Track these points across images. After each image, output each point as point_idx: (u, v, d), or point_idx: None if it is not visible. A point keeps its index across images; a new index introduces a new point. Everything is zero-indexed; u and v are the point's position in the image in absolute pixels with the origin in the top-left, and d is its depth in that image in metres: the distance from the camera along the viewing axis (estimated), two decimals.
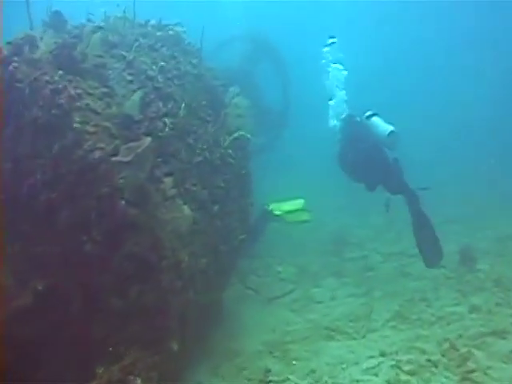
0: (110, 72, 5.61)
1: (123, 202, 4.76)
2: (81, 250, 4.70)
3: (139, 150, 4.78)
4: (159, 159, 5.46)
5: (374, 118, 7.87)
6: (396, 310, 7.05)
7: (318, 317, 7.17)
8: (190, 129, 6.23)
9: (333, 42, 8.87)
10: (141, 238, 4.83)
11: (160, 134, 5.60)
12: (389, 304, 7.27)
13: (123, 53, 6.20)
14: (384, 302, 7.37)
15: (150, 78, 6.09)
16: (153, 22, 7.59)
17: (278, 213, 8.76)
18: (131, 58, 6.16)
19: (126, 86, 5.75)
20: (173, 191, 5.27)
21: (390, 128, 7.60)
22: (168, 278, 5.05)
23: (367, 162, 7.75)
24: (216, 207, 6.29)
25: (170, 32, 7.36)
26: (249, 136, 6.79)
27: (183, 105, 6.09)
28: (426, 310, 6.98)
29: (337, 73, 8.78)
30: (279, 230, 11.79)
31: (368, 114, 8.00)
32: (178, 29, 7.35)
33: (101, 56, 5.94)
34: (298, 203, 9.02)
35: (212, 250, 6.17)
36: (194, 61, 7.25)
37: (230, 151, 6.89)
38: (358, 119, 8.30)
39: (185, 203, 5.59)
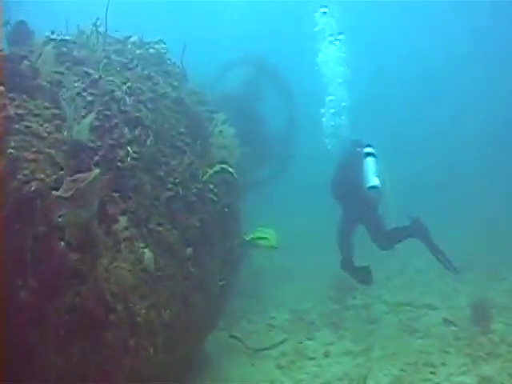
0: (65, 91, 4.77)
1: (63, 244, 3.89)
2: (17, 296, 3.84)
3: (82, 185, 3.92)
4: (116, 194, 4.60)
5: (369, 159, 7.42)
6: (396, 375, 6.06)
7: (307, 377, 6.21)
8: (160, 159, 5.38)
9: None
10: (84, 287, 3.95)
11: (119, 164, 4.75)
12: (388, 367, 6.28)
13: (87, 70, 5.39)
14: (383, 364, 6.37)
15: (116, 100, 5.27)
16: (134, 38, 6.83)
17: (247, 238, 7.82)
18: (96, 76, 5.36)
19: (85, 108, 4.91)
20: (126, 233, 4.39)
21: (373, 182, 7.20)
22: (117, 336, 4.16)
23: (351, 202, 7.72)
24: (189, 250, 5.39)
25: (151, 50, 6.58)
26: (231, 170, 5.89)
27: (151, 132, 5.24)
28: (429, 378, 5.96)
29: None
30: (285, 270, 11.02)
31: (367, 150, 7.56)
32: (159, 47, 6.55)
33: (60, 73, 5.16)
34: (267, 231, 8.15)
35: (181, 299, 5.26)
36: (176, 83, 6.44)
37: (211, 186, 6.03)
38: (359, 150, 7.76)
39: (146, 246, 4.73)
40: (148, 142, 5.18)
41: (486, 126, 22.14)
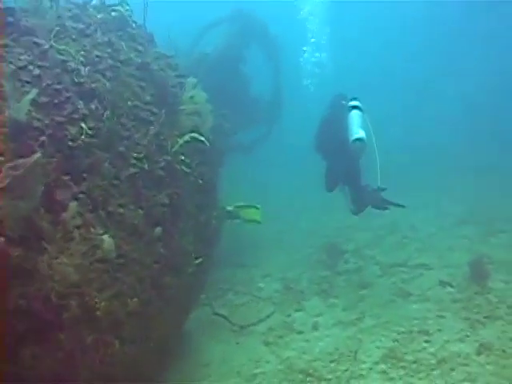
0: (5, 66, 4.33)
1: (2, 240, 3.54)
2: None
3: (17, 173, 3.54)
4: (66, 177, 4.22)
5: (354, 112, 7.08)
6: (388, 346, 5.77)
7: (295, 354, 5.95)
8: (121, 133, 4.97)
9: None
10: (29, 287, 3.62)
11: (70, 143, 4.35)
12: (381, 338, 6.01)
13: (36, 40, 4.92)
14: (375, 334, 6.10)
15: (69, 72, 4.82)
16: (95, 1, 6.31)
17: (229, 208, 7.46)
18: (46, 46, 4.90)
19: (30, 83, 4.48)
20: (77, 220, 4.02)
21: (358, 135, 6.86)
22: (73, 335, 3.85)
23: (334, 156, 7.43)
24: (157, 230, 5.04)
25: (113, 13, 6.07)
26: (203, 138, 5.48)
27: (110, 104, 4.82)
28: (425, 347, 5.66)
29: None
30: (274, 237, 10.73)
31: (352, 103, 7.22)
32: (122, 9, 6.04)
33: (3, 45, 4.70)
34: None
35: (151, 284, 4.95)
36: (141, 47, 5.96)
37: (182, 157, 5.63)
38: (344, 103, 7.48)
39: (105, 232, 4.38)
40: (105, 116, 4.73)
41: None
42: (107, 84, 5.11)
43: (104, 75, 5.21)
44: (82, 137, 4.50)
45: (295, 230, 11.51)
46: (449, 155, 15.93)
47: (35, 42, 4.92)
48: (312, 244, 10.08)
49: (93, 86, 4.91)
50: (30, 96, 4.14)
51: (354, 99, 7.36)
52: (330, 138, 7.44)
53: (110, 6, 6.22)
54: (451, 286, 7.14)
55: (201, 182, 5.87)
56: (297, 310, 7.14)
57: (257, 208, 7.76)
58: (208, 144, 5.62)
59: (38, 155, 3.78)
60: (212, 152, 6.53)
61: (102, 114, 4.82)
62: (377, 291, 7.48)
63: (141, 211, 4.91)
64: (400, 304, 6.93)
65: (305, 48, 9.65)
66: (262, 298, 7.63)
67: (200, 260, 5.71)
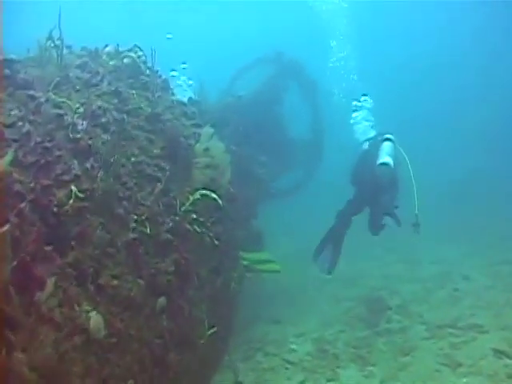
0: None
1: None
2: None
3: None
4: (49, 248, 3.72)
5: (386, 143, 7.51)
6: None
7: None
8: (122, 194, 4.46)
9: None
10: None
11: (55, 209, 3.86)
12: None
13: (32, 93, 4.54)
14: None
15: (64, 127, 4.39)
16: (109, 48, 5.95)
17: (245, 263, 6.90)
18: (42, 100, 4.50)
19: (17, 142, 4.06)
20: (53, 301, 3.50)
21: (383, 160, 7.27)
22: None
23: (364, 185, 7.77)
24: (160, 301, 4.47)
25: (125, 60, 5.67)
26: (215, 195, 4.91)
27: (110, 162, 4.34)
28: None
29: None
30: (310, 283, 10.03)
31: (386, 136, 7.65)
32: (134, 55, 5.63)
33: None
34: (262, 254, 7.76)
35: (153, 362, 4.36)
36: (153, 96, 5.51)
37: (194, 216, 5.08)
38: (380, 139, 7.85)
39: (94, 308, 3.84)
40: (99, 176, 4.24)
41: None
42: (108, 139, 4.63)
43: (106, 129, 4.77)
44: (71, 201, 3.99)
45: (335, 277, 10.67)
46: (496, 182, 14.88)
47: (31, 96, 4.52)
48: (353, 296, 9.29)
49: (90, 142, 4.43)
50: (7, 159, 3.68)
51: (389, 134, 7.72)
52: (363, 171, 7.78)
53: (123, 52, 5.82)
54: (508, 357, 6.18)
55: (217, 242, 5.26)
56: (329, 380, 6.37)
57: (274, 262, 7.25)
58: (220, 202, 5.01)
59: (4, 228, 3.29)
60: (233, 206, 5.97)
61: (97, 174, 4.32)
62: (421, 358, 6.61)
63: (140, 281, 4.34)
64: (447, 376, 6.08)
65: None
66: (292, 363, 6.86)
67: (214, 330, 5.06)
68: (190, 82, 9.41)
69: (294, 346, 7.43)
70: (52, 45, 5.26)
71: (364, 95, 8.36)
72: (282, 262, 11.27)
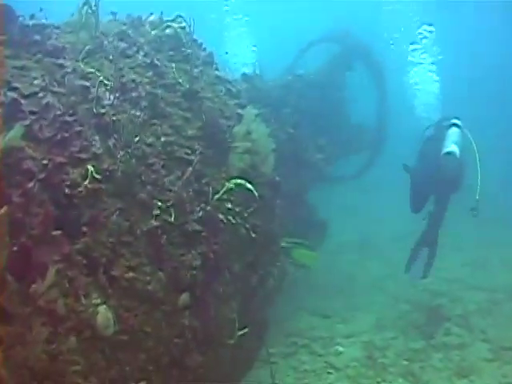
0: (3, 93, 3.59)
1: None
2: None
3: None
4: (57, 232, 3.35)
5: (452, 129, 7.10)
6: None
7: None
8: (146, 177, 4.04)
9: None
10: None
11: (67, 190, 3.49)
12: None
13: (61, 62, 4.18)
14: None
15: (88, 100, 4.01)
16: (153, 17, 5.54)
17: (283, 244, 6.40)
18: (69, 70, 4.13)
19: (37, 114, 3.71)
20: (52, 292, 3.13)
21: (449, 149, 6.87)
22: None
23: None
24: (183, 297, 4.04)
25: (167, 30, 5.23)
26: (250, 186, 4.41)
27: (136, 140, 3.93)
28: None
29: None
30: (369, 278, 9.44)
31: (452, 121, 7.23)
32: (176, 25, 5.19)
33: (19, 67, 4.01)
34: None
35: (170, 363, 3.96)
36: (195, 70, 5.05)
37: (229, 205, 4.60)
38: (445, 123, 7.42)
39: (104, 301, 3.46)
40: (119, 155, 3.83)
41: None
42: (137, 115, 4.21)
43: (136, 104, 4.34)
44: (86, 182, 3.60)
45: (394, 275, 9.98)
46: None
47: (59, 64, 4.16)
48: (411, 299, 8.56)
49: (115, 118, 4.02)
50: (14, 133, 3.33)
51: (456, 118, 7.30)
52: (427, 157, 7.37)
53: (166, 22, 5.38)
54: None
55: (254, 235, 4.76)
56: None
57: (311, 250, 7.08)
58: (256, 193, 4.49)
59: (1, 211, 2.94)
60: (276, 196, 5.46)
61: (120, 153, 3.91)
62: None
63: (161, 274, 3.92)
64: None
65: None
66: (336, 368, 6.31)
67: (245, 330, 4.59)
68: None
69: (340, 348, 6.86)
70: (90, 10, 4.87)
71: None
72: (338, 251, 10.86)
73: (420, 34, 10.10)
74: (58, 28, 4.70)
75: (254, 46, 10.31)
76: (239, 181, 4.41)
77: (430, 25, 8.55)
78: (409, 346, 6.86)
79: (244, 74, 7.61)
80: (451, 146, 6.91)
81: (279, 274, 5.49)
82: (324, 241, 9.25)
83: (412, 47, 9.99)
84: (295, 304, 8.26)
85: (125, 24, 5.40)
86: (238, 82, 6.19)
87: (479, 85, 23.11)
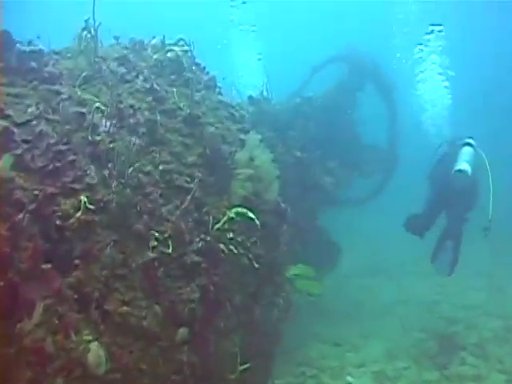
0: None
1: None
2: None
3: None
4: (47, 266, 3.21)
5: (465, 148, 7.11)
6: None
7: None
8: (143, 207, 3.89)
9: None
10: None
11: (58, 222, 3.36)
12: None
13: (57, 88, 4.09)
14: None
15: (84, 128, 3.90)
16: (155, 40, 5.46)
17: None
18: (65, 96, 4.03)
19: (30, 143, 3.60)
20: (38, 332, 2.98)
21: (460, 167, 6.88)
22: None
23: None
24: (181, 332, 3.86)
25: (169, 54, 5.14)
26: (252, 215, 4.25)
27: (132, 169, 3.80)
28: None
29: None
30: (382, 303, 9.19)
31: (466, 141, 7.21)
32: (177, 48, 5.09)
33: (14, 95, 3.92)
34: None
35: None
36: (198, 95, 4.93)
37: (231, 235, 4.44)
38: (459, 143, 7.40)
39: (96, 338, 3.30)
40: (113, 185, 3.70)
41: None
42: (134, 143, 4.08)
43: (134, 131, 4.21)
44: (79, 213, 3.47)
45: (408, 301, 9.71)
46: None
47: (55, 91, 4.06)
48: (425, 326, 8.26)
49: (111, 145, 3.90)
50: (3, 163, 3.21)
51: (470, 138, 7.28)
52: (440, 174, 7.42)
53: (168, 45, 5.29)
54: None
55: (257, 265, 4.59)
56: None
57: (315, 278, 6.86)
58: (258, 222, 4.33)
59: None
60: (282, 223, 5.30)
61: (116, 183, 3.78)
62: None
63: (157, 309, 3.75)
64: None
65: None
66: None
67: (247, 365, 4.39)
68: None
69: (350, 380, 6.59)
70: (89, 35, 4.80)
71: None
72: (348, 276, 10.61)
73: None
74: (57, 54, 4.62)
75: (259, 54, 10.27)
76: (240, 209, 4.25)
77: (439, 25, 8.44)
78: (421, 376, 6.58)
79: (250, 97, 7.47)
80: (462, 164, 6.90)
81: (284, 304, 5.28)
82: (337, 265, 9.05)
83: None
84: (305, 331, 8.02)
85: (126, 48, 5.32)
86: (242, 106, 6.06)
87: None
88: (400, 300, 9.74)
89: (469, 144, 7.16)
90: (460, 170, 6.87)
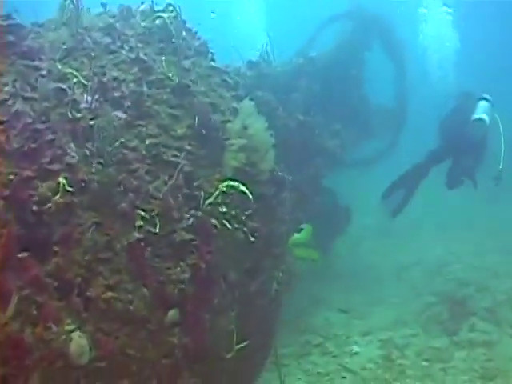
0: None
1: None
2: None
3: None
4: (25, 254, 3.08)
5: (482, 102, 7.37)
6: None
7: None
8: (128, 185, 3.73)
9: None
10: None
11: (35, 207, 3.21)
12: None
13: (36, 64, 3.89)
14: None
15: (64, 104, 3.71)
16: (144, 6, 5.19)
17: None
18: (44, 72, 3.84)
19: (5, 123, 3.43)
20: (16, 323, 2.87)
21: (479, 116, 7.20)
22: None
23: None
24: (171, 314, 3.75)
25: (157, 21, 4.88)
26: (244, 189, 4.06)
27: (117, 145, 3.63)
28: None
29: None
30: (391, 265, 9.08)
31: (483, 96, 7.47)
32: (165, 15, 4.83)
33: None
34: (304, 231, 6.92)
35: None
36: (187, 62, 4.69)
37: (224, 209, 4.27)
38: (474, 98, 7.65)
39: (78, 327, 3.20)
40: (94, 164, 3.53)
41: None
42: (118, 117, 3.89)
43: (119, 105, 4.00)
44: (57, 196, 3.31)
45: (419, 262, 9.55)
46: None
47: (33, 66, 3.86)
48: (434, 290, 8.14)
49: (92, 122, 3.71)
50: None
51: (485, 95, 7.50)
52: (453, 124, 7.66)
53: (157, 11, 5.03)
54: None
55: (253, 239, 4.43)
56: None
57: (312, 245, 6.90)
58: (251, 195, 4.13)
59: None
60: (280, 194, 5.11)
61: (100, 160, 3.61)
62: None
63: (145, 291, 3.63)
64: None
65: None
66: (351, 371, 5.98)
67: (245, 343, 4.29)
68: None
69: (356, 348, 6.52)
70: (72, 5, 4.56)
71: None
72: (359, 237, 10.48)
73: None
74: (41, 26, 4.40)
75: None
76: (232, 183, 4.06)
77: None
78: (430, 343, 6.47)
79: (249, 61, 7.18)
80: (481, 114, 7.24)
81: (285, 277, 5.14)
82: (348, 226, 8.94)
83: None
84: (313, 297, 7.98)
85: (114, 16, 5.06)
86: (240, 71, 5.80)
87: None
88: (411, 262, 9.61)
89: (485, 99, 7.44)
90: (480, 119, 7.21)
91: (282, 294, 5.10)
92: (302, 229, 6.73)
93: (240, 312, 4.44)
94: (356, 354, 6.43)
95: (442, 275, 8.77)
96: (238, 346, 4.28)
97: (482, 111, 7.31)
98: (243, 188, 4.06)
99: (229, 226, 4.28)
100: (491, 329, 6.65)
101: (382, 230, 11.35)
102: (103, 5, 5.22)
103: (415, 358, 6.14)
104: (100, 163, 3.58)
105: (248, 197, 4.24)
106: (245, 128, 4.54)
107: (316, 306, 7.88)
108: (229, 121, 4.59)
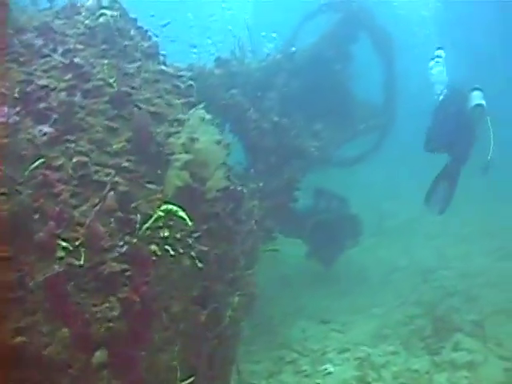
0: None
1: None
2: None
3: None
4: None
5: (476, 92, 7.44)
6: None
7: None
8: (50, 212, 3.30)
9: None
10: None
11: None
12: None
13: None
14: None
15: None
16: (91, 2, 4.72)
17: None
18: None
19: None
20: None
21: (479, 101, 7.30)
22: None
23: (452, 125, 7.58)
24: (97, 356, 3.35)
25: (101, 19, 4.41)
26: (183, 214, 3.61)
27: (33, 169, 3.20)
28: None
29: None
30: (380, 270, 8.75)
31: (474, 86, 7.54)
32: (109, 12, 4.36)
33: None
34: None
35: None
36: (132, 67, 4.23)
37: (166, 234, 3.85)
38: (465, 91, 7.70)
39: None
40: (6, 190, 3.09)
41: None
42: (42, 133, 3.44)
43: (45, 118, 3.56)
44: None
45: (405, 268, 9.14)
46: None
47: None
48: (419, 299, 7.70)
49: (6, 140, 3.27)
50: None
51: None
52: (447, 114, 7.67)
53: (103, 8, 4.55)
54: None
55: (201, 265, 4.00)
56: None
57: None
58: (189, 222, 3.67)
59: None
60: (235, 211, 4.68)
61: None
62: None
63: (65, 332, 3.21)
64: None
65: None
66: None
67: (191, 379, 3.87)
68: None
69: (331, 368, 6.10)
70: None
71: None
72: None
73: None
74: None
75: None
76: (170, 206, 3.61)
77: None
78: (409, 365, 6.01)
79: (217, 59, 6.69)
80: (480, 100, 7.32)
81: (243, 300, 4.71)
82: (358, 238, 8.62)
83: None
84: (294, 304, 7.63)
85: (58, 13, 4.60)
86: (204, 70, 5.33)
87: None
88: (399, 266, 9.21)
89: (478, 89, 7.50)
90: (479, 104, 7.28)
91: (240, 320, 4.67)
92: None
93: (187, 345, 4.00)
94: (329, 374, 6.01)
95: (426, 282, 8.33)
96: (184, 383, 3.85)
97: (478, 98, 7.38)
98: (182, 214, 3.60)
99: (171, 252, 3.83)
100: (476, 347, 6.15)
101: (372, 229, 10.89)
102: (50, 0, 4.77)
103: (391, 382, 5.68)
104: (12, 188, 3.13)
105: (187, 223, 3.77)
106: (192, 141, 4.08)
107: (296, 314, 7.52)
108: (176, 132, 4.12)
